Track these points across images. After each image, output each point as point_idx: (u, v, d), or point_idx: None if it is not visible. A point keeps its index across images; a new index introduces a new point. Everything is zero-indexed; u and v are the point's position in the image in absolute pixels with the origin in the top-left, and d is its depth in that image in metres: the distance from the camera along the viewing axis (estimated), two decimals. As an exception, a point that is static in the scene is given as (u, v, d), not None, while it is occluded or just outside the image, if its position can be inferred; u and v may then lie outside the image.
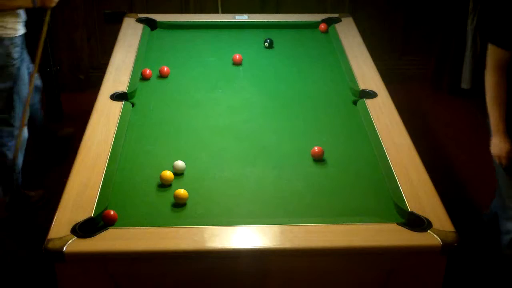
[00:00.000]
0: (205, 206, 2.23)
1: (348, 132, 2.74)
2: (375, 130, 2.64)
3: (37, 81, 3.53)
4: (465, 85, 4.74)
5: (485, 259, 3.11)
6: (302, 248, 1.98)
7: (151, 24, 3.71)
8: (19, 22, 3.19)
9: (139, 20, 3.71)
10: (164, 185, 2.32)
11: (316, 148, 2.51)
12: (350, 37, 3.59)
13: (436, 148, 4.15)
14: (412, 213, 2.11)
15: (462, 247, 1.99)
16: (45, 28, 3.29)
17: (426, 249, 1.98)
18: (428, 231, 2.02)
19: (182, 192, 2.22)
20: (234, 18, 3.89)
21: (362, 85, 3.02)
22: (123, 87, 2.97)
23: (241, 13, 3.97)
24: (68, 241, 1.94)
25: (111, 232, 2.01)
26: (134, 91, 2.98)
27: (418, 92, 4.87)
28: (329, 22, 3.80)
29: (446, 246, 1.96)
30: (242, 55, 3.37)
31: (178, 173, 2.38)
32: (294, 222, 2.08)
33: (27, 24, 3.27)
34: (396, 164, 2.39)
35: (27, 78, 3.30)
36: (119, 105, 2.81)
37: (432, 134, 4.31)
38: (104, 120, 2.68)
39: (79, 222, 2.03)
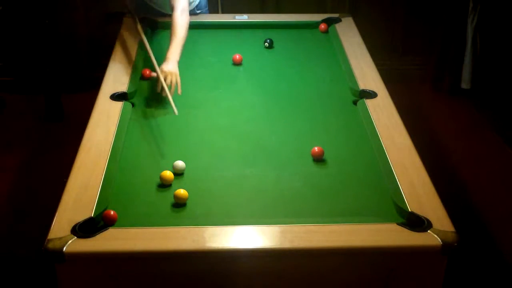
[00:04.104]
0: (205, 206, 2.23)
1: (348, 132, 2.74)
2: (375, 130, 2.63)
3: None
4: (465, 85, 4.74)
5: (485, 259, 3.12)
6: (302, 248, 1.98)
7: (152, 25, 3.71)
8: None
9: (140, 20, 3.70)
10: (164, 185, 2.32)
11: (316, 148, 2.51)
12: (350, 37, 3.59)
13: (436, 148, 4.14)
14: (412, 213, 2.11)
15: (462, 247, 1.98)
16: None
17: (426, 249, 1.98)
18: (428, 231, 2.02)
19: (182, 192, 2.22)
20: (234, 18, 3.89)
21: (362, 85, 3.02)
22: (123, 87, 2.97)
23: (241, 13, 3.97)
24: (68, 241, 1.94)
25: (111, 232, 2.01)
26: (134, 91, 2.98)
27: (418, 92, 4.87)
28: (329, 22, 3.80)
29: (446, 246, 1.96)
30: (242, 55, 3.37)
31: (178, 173, 2.38)
32: (294, 222, 2.08)
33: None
34: (396, 164, 2.38)
35: None
36: (119, 105, 2.81)
37: (432, 134, 4.31)
38: (104, 120, 2.68)
39: (79, 222, 2.03)
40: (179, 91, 2.87)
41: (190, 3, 3.46)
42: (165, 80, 2.84)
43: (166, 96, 2.77)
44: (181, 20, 3.09)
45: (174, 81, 2.87)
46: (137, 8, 3.65)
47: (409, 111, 3.39)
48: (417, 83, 4.95)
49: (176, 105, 2.77)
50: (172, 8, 3.17)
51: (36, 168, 3.91)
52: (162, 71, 2.87)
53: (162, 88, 2.81)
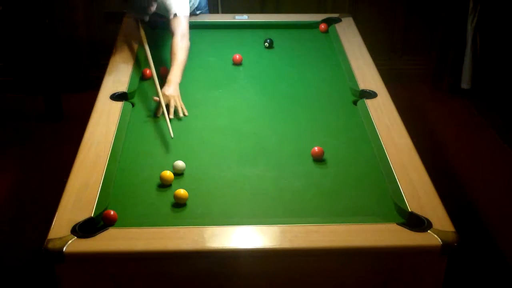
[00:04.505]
0: (205, 206, 2.23)
1: (348, 132, 2.74)
2: (375, 130, 2.64)
3: None
4: (465, 85, 4.74)
5: (485, 259, 3.11)
6: (302, 248, 1.98)
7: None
8: None
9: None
10: (164, 185, 2.32)
11: (316, 148, 2.51)
12: (350, 37, 3.59)
13: (436, 148, 4.15)
14: (412, 213, 2.11)
15: (462, 247, 1.98)
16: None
17: (426, 249, 1.98)
18: (428, 231, 2.02)
19: (182, 192, 2.22)
20: (234, 18, 3.89)
21: (362, 85, 3.02)
22: (123, 87, 2.97)
23: (241, 13, 3.97)
24: (68, 241, 1.94)
25: (111, 232, 2.01)
26: (134, 91, 2.98)
27: (418, 92, 4.88)
28: (329, 22, 3.80)
29: (446, 246, 1.96)
30: (242, 55, 3.37)
31: (178, 173, 2.38)
32: (294, 222, 2.08)
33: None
34: (396, 164, 2.38)
35: None
36: (119, 105, 2.81)
37: (432, 134, 4.31)
38: (104, 120, 2.68)
39: (79, 222, 2.03)
40: (185, 112, 2.84)
41: (189, 7, 3.46)
42: (167, 103, 2.82)
43: (165, 119, 2.73)
44: (181, 43, 3.08)
45: (178, 104, 2.84)
46: (138, 12, 3.64)
47: (409, 111, 3.40)
48: (417, 83, 4.95)
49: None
50: (172, 34, 3.15)
51: (36, 168, 3.91)
52: (163, 95, 2.85)
53: (163, 111, 2.78)
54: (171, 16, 3.20)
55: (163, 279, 2.00)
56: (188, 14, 3.26)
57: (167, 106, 2.81)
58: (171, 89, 2.88)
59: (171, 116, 2.77)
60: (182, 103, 2.87)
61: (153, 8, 3.21)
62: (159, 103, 2.83)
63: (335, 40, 3.59)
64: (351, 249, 1.99)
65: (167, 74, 3.14)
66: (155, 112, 2.84)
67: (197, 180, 2.37)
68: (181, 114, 2.81)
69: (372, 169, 2.44)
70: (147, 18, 3.26)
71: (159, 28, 3.70)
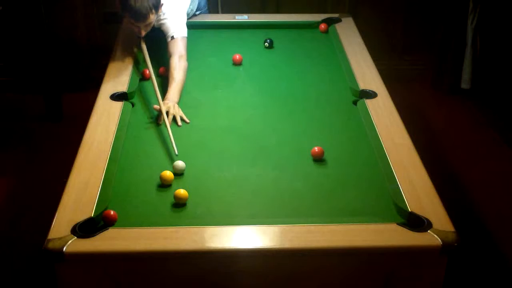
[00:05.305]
0: (205, 206, 2.23)
1: (348, 132, 2.74)
2: (375, 130, 2.64)
3: None
4: (465, 85, 4.74)
5: (485, 259, 3.11)
6: (302, 248, 1.98)
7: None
8: None
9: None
10: (164, 185, 2.32)
11: (316, 148, 2.51)
12: (350, 37, 3.59)
13: (436, 148, 4.14)
14: (412, 213, 2.11)
15: (462, 247, 1.98)
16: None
17: (426, 249, 1.98)
18: (428, 231, 2.02)
19: (182, 192, 2.22)
20: (234, 18, 3.89)
21: (362, 85, 3.02)
22: (123, 87, 2.97)
23: (241, 13, 3.97)
24: (68, 241, 1.94)
25: (111, 232, 2.01)
26: (134, 91, 2.98)
27: (418, 92, 4.87)
28: (329, 22, 3.80)
29: (446, 246, 1.96)
30: (242, 55, 3.37)
31: (178, 173, 2.38)
32: (294, 222, 2.08)
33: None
34: (396, 164, 2.38)
35: None
36: (119, 105, 2.81)
37: (432, 134, 4.31)
38: (104, 120, 2.68)
39: (79, 222, 2.03)
40: (186, 120, 2.82)
41: (188, 13, 3.45)
42: (166, 114, 2.79)
43: (168, 135, 2.69)
44: (179, 64, 3.05)
45: (177, 114, 2.81)
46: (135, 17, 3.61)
47: (409, 111, 3.40)
48: (417, 83, 4.95)
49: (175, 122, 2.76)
50: (169, 55, 3.13)
51: (36, 168, 3.91)
52: (164, 104, 2.83)
53: (164, 121, 2.74)
54: (169, 39, 3.18)
55: (163, 279, 2.00)
56: (186, 34, 3.22)
57: (167, 114, 2.78)
58: (170, 104, 2.84)
59: (170, 120, 2.74)
60: (182, 113, 2.84)
61: (152, 17, 3.10)
62: (159, 112, 2.80)
63: (335, 40, 3.59)
64: (351, 249, 1.99)
65: (165, 74, 3.14)
66: (156, 119, 2.81)
67: (197, 180, 2.37)
68: (180, 123, 2.79)
69: (372, 169, 2.44)
70: (143, 34, 3.21)
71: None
